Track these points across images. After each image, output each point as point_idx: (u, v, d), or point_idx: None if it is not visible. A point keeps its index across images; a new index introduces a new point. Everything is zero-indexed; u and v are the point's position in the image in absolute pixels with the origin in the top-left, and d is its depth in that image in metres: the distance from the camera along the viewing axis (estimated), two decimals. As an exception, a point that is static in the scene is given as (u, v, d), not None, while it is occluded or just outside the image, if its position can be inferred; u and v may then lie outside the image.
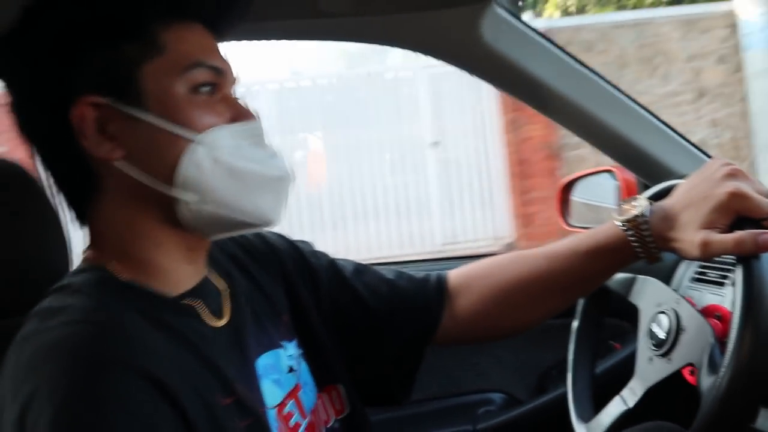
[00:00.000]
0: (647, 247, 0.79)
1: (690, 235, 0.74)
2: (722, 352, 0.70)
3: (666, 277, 1.23)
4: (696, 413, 0.71)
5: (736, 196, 0.72)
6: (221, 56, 0.74)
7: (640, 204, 0.80)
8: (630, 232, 0.79)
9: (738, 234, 0.71)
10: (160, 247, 0.72)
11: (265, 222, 0.73)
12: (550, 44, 1.09)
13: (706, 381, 0.71)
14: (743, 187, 0.73)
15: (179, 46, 0.70)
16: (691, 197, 0.76)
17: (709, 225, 0.73)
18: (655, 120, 1.15)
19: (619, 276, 0.94)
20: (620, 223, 0.80)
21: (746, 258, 0.70)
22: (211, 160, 0.68)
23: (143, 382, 0.60)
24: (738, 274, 0.70)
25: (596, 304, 0.99)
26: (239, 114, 0.72)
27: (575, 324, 0.98)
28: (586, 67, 1.11)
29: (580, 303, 0.99)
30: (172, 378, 0.62)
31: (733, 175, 0.74)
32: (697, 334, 0.77)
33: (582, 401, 0.92)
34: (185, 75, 0.69)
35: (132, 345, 0.62)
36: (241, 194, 0.70)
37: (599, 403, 0.93)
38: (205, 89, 0.70)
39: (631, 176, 1.27)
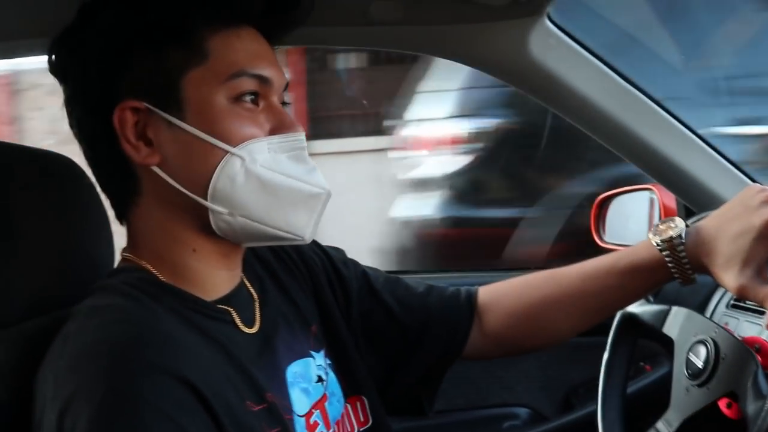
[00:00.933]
0: (683, 269, 0.79)
1: (731, 274, 0.75)
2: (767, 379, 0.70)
3: (701, 305, 1.22)
4: None
5: None
6: (271, 63, 0.73)
7: (678, 225, 0.80)
8: (666, 253, 0.80)
9: None
10: (195, 252, 0.72)
11: (297, 237, 0.72)
12: (598, 61, 1.08)
13: (753, 407, 0.70)
14: None
15: (224, 53, 0.69)
16: (729, 224, 0.77)
17: (750, 258, 0.74)
18: (701, 142, 1.13)
19: (653, 308, 0.92)
20: (657, 243, 0.80)
21: None
22: (244, 174, 0.68)
23: (179, 385, 0.61)
24: None
25: (627, 337, 0.97)
26: (281, 125, 0.71)
27: (605, 357, 0.96)
28: (635, 85, 1.10)
29: (610, 336, 0.97)
30: (206, 382, 0.63)
31: None
32: (738, 362, 0.76)
33: None
34: (227, 84, 0.69)
35: (169, 348, 0.63)
36: (274, 209, 0.70)
37: (630, 425, 0.92)
38: (249, 98, 0.70)
39: (670, 196, 1.26)
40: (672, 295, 1.21)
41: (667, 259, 0.80)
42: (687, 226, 0.81)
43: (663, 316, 0.90)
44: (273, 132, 0.71)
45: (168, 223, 0.71)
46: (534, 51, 1.04)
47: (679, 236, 0.79)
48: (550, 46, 1.04)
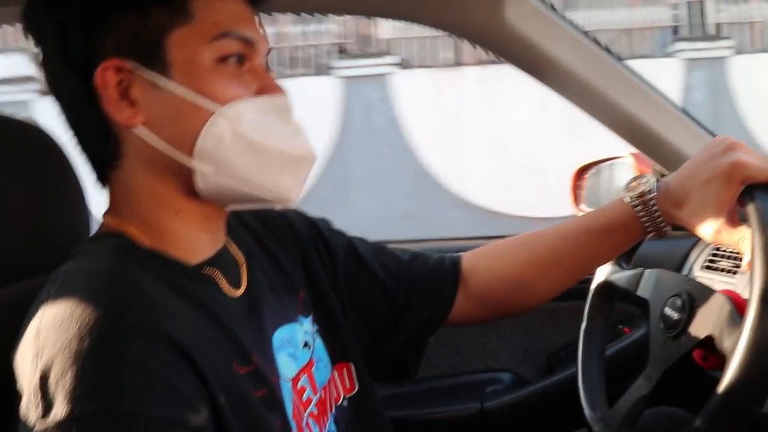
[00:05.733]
0: (655, 222, 0.81)
1: (705, 222, 0.77)
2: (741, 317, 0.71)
3: (676, 268, 1.24)
4: (706, 397, 0.73)
5: (738, 166, 0.74)
6: (254, 27, 0.72)
7: (648, 180, 0.82)
8: (638, 207, 0.82)
9: (741, 231, 0.74)
10: (178, 215, 0.71)
11: (282, 200, 0.72)
12: (573, 28, 1.09)
13: (729, 341, 0.72)
14: (743, 156, 0.75)
15: (209, 14, 0.69)
16: (697, 172, 0.78)
17: (721, 202, 0.76)
18: (673, 107, 1.14)
19: (626, 273, 0.94)
20: (629, 199, 0.82)
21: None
22: (231, 133, 0.68)
23: (165, 344, 0.60)
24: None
25: (603, 302, 0.98)
26: (267, 87, 0.71)
27: (583, 326, 0.98)
28: (610, 52, 1.11)
29: (587, 304, 0.99)
30: (192, 343, 0.62)
31: (732, 148, 0.77)
32: (712, 307, 0.77)
33: (594, 396, 0.92)
34: (212, 44, 0.68)
35: (153, 309, 0.62)
36: (260, 170, 0.70)
37: (609, 386, 0.95)
38: (233, 60, 0.69)
39: (647, 162, 1.28)
40: (647, 260, 1.24)
41: (639, 213, 0.82)
42: (657, 181, 0.82)
43: (636, 280, 0.91)
44: (258, 94, 0.70)
45: (150, 185, 0.71)
46: (509, 17, 1.04)
47: (650, 190, 0.81)
48: (526, 12, 1.05)
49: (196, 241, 0.73)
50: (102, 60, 0.68)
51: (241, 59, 0.70)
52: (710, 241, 0.78)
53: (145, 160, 0.70)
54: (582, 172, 1.51)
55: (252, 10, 0.74)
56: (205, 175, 0.69)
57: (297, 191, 0.72)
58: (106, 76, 0.68)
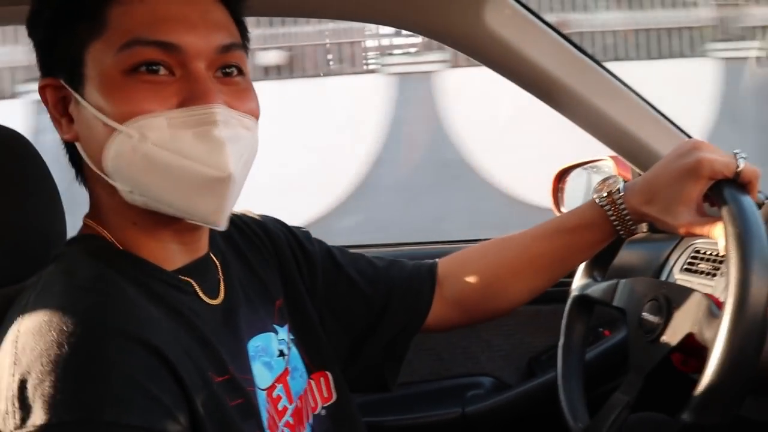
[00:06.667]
0: (624, 221, 0.85)
1: (674, 216, 0.80)
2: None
3: (654, 274, 1.24)
4: (686, 400, 0.72)
5: (704, 162, 0.77)
6: (187, 27, 0.65)
7: (615, 180, 0.86)
8: (607, 207, 0.85)
9: (712, 219, 0.78)
10: (136, 226, 0.70)
11: (205, 222, 0.68)
12: (553, 32, 1.09)
13: (710, 332, 0.73)
14: (708, 154, 0.78)
15: (120, 21, 0.65)
16: (665, 171, 0.81)
17: (688, 197, 0.79)
18: (653, 111, 1.15)
19: (601, 285, 0.95)
20: (598, 200, 0.86)
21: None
22: (133, 152, 0.64)
23: (145, 351, 0.60)
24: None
25: (579, 316, 0.99)
26: (191, 97, 0.64)
27: (561, 340, 0.98)
28: (589, 56, 1.11)
29: (564, 319, 0.99)
30: (171, 350, 0.62)
31: (697, 147, 0.79)
32: (690, 305, 0.79)
33: (576, 409, 0.92)
34: (120, 54, 0.64)
35: (133, 315, 0.62)
36: (172, 191, 0.65)
37: (590, 390, 0.95)
38: (152, 68, 0.64)
39: (626, 166, 1.28)
40: (623, 271, 1.24)
41: (608, 212, 0.85)
42: (625, 181, 0.85)
43: (612, 291, 0.92)
44: (182, 104, 0.64)
45: (105, 195, 0.70)
46: (489, 22, 1.04)
47: (618, 190, 0.84)
48: (506, 16, 1.04)
49: (164, 250, 0.72)
50: (44, 78, 0.69)
51: (169, 67, 0.65)
52: (682, 232, 0.81)
53: (90, 173, 0.70)
54: (562, 175, 1.51)
55: (200, 7, 0.67)
56: (127, 192, 0.67)
57: (220, 214, 0.67)
58: (45, 95, 0.69)
